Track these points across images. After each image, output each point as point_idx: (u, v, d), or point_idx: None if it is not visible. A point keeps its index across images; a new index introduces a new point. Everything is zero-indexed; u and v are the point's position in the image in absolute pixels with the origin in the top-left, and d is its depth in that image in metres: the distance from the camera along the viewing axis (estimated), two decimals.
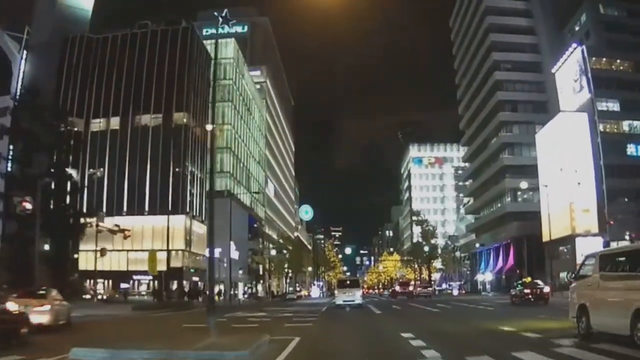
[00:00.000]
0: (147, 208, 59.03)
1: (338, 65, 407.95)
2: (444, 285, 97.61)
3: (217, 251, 65.13)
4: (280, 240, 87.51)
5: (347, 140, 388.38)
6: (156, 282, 54.91)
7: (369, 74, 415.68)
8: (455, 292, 66.60)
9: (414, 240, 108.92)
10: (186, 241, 59.08)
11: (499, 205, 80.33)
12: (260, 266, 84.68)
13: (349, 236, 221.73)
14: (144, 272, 55.16)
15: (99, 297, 45.16)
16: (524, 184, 53.28)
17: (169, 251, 58.58)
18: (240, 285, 75.88)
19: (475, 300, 44.24)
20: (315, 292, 73.56)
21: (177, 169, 58.07)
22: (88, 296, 42.74)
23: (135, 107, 61.27)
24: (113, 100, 62.39)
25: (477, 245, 77.28)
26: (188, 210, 60.45)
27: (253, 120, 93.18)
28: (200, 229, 64.77)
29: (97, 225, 37.16)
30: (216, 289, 66.59)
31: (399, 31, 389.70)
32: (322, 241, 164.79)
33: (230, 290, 62.58)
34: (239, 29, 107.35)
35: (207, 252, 64.85)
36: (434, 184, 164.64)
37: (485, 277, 77.88)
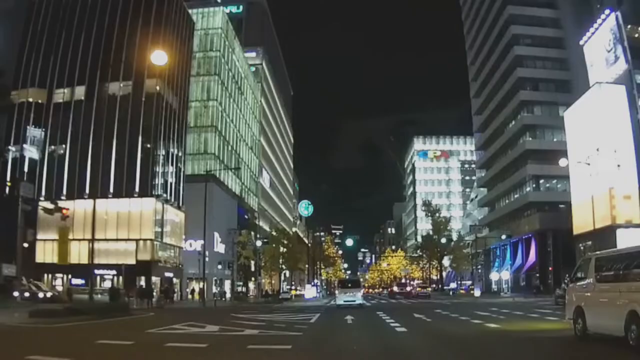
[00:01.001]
0: (111, 190, 50.51)
1: (340, 58, 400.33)
2: (451, 285, 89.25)
3: (199, 243, 57.14)
4: (274, 232, 78.87)
5: (347, 137, 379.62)
6: (120, 278, 47.01)
7: (370, 68, 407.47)
8: (478, 293, 58.49)
9: (422, 235, 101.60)
10: (156, 230, 50.54)
11: (517, 195, 72.33)
12: (253, 262, 76.24)
13: (350, 234, 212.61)
14: (107, 266, 47.19)
15: (41, 295, 36.69)
16: (563, 162, 44.84)
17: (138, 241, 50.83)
18: (227, 283, 67.56)
19: (508, 303, 36.20)
20: (309, 291, 64.35)
21: (147, 145, 49.56)
22: (26, 294, 34.32)
23: (103, 74, 52.81)
24: (79, 67, 54.02)
25: (504, 237, 69.01)
26: (160, 193, 51.83)
27: (245, 101, 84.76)
28: (176, 216, 56.20)
29: (22, 201, 28.98)
30: (192, 286, 58.44)
31: (404, 22, 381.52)
32: (322, 237, 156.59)
33: (212, 289, 54.66)
34: (233, 8, 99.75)
35: (184, 244, 57.17)
36: (439, 178, 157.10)
37: (501, 275, 69.58)
